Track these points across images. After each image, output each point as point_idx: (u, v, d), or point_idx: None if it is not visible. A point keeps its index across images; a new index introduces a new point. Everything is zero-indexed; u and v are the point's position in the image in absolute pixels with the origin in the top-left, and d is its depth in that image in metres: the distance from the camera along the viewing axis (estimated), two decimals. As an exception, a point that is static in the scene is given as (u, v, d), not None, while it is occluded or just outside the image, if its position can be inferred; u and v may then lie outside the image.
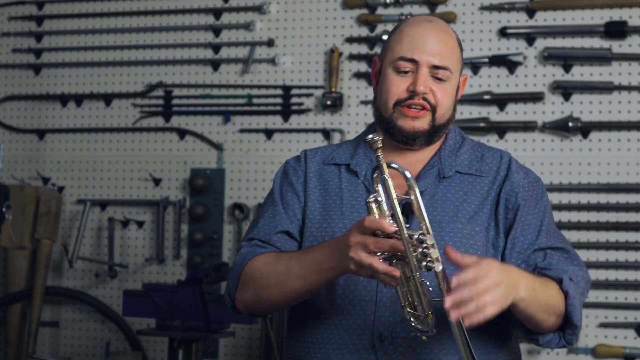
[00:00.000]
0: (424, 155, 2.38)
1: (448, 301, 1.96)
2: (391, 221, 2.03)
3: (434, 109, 2.31)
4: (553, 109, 4.03)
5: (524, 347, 3.96)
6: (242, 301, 2.34)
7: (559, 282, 2.23)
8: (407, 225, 2.02)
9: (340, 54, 4.26)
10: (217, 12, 4.46)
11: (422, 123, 2.31)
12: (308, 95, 4.32)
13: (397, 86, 2.32)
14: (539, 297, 2.15)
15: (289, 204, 2.39)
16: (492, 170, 2.36)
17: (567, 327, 2.25)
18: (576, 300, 2.22)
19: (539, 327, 2.22)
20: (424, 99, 2.30)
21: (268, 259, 2.30)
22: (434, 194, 2.32)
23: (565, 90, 4.02)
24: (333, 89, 4.23)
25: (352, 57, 4.23)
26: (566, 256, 2.31)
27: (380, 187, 2.08)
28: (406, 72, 2.31)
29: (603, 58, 3.97)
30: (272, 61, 4.36)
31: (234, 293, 2.35)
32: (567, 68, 4.02)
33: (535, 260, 2.28)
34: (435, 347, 2.22)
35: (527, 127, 4.03)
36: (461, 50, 2.41)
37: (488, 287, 1.98)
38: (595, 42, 4.01)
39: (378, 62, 2.41)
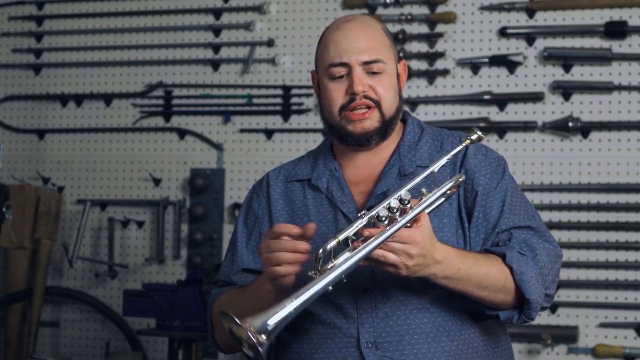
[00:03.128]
0: (383, 155, 2.36)
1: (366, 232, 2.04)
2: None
3: (378, 105, 2.30)
4: (553, 109, 4.03)
5: (523, 347, 3.96)
6: (221, 342, 2.41)
7: (503, 257, 2.21)
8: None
9: (340, 54, 4.25)
10: (217, 12, 4.46)
11: (371, 122, 2.30)
12: (308, 95, 4.32)
13: (337, 93, 2.31)
14: (468, 277, 2.14)
15: (252, 235, 2.42)
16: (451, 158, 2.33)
17: (524, 303, 2.23)
18: (526, 274, 2.19)
19: (487, 304, 2.21)
20: (366, 97, 2.29)
21: (226, 297, 2.37)
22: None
23: (565, 90, 4.02)
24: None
25: (352, 57, 4.23)
26: (532, 233, 2.28)
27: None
28: (341, 77, 2.30)
29: (603, 58, 3.97)
30: (272, 61, 4.36)
31: (213, 335, 2.42)
32: (567, 68, 4.02)
33: (501, 243, 2.27)
34: (423, 347, 2.21)
35: (527, 127, 4.03)
36: (390, 38, 2.37)
37: (400, 254, 2.05)
38: (595, 42, 4.01)
39: (315, 75, 2.40)
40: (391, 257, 2.06)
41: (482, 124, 4.06)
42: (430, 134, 2.39)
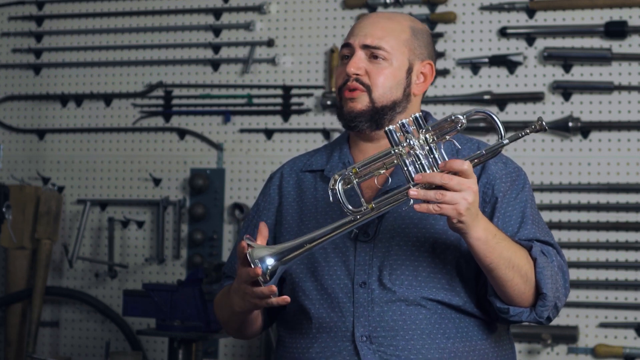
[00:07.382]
0: None
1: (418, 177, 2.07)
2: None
3: (368, 90, 2.32)
4: (553, 109, 4.04)
5: (523, 347, 3.96)
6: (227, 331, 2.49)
7: (529, 249, 2.21)
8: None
9: (340, 54, 4.26)
10: (217, 12, 4.46)
11: (358, 104, 2.32)
12: (308, 95, 4.32)
13: (339, 74, 2.37)
14: (502, 248, 2.13)
15: (248, 227, 2.46)
16: None
17: (538, 299, 2.21)
18: (546, 270, 2.19)
19: (507, 289, 2.17)
20: (358, 80, 2.32)
21: (217, 298, 2.46)
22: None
23: (565, 90, 4.02)
24: (333, 89, 4.23)
25: (352, 57, 4.23)
26: (552, 249, 2.28)
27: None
28: (347, 58, 2.35)
29: (603, 58, 3.97)
30: (272, 61, 4.36)
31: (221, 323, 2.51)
32: (567, 68, 4.02)
33: None
34: (417, 343, 2.22)
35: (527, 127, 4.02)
36: (416, 36, 2.37)
37: (461, 188, 2.05)
38: (595, 42, 4.01)
39: None
40: (452, 183, 2.06)
41: (482, 124, 4.06)
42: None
